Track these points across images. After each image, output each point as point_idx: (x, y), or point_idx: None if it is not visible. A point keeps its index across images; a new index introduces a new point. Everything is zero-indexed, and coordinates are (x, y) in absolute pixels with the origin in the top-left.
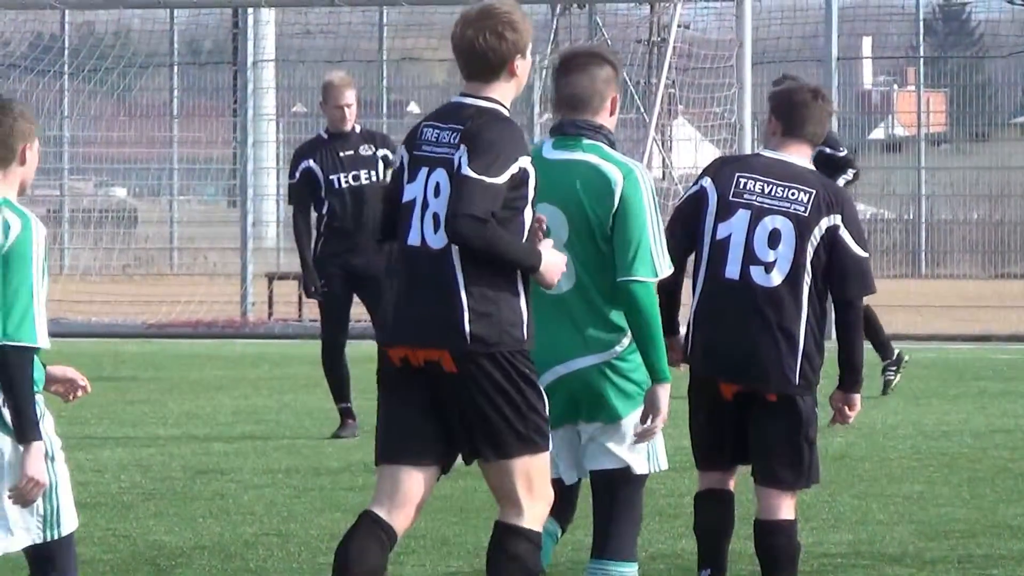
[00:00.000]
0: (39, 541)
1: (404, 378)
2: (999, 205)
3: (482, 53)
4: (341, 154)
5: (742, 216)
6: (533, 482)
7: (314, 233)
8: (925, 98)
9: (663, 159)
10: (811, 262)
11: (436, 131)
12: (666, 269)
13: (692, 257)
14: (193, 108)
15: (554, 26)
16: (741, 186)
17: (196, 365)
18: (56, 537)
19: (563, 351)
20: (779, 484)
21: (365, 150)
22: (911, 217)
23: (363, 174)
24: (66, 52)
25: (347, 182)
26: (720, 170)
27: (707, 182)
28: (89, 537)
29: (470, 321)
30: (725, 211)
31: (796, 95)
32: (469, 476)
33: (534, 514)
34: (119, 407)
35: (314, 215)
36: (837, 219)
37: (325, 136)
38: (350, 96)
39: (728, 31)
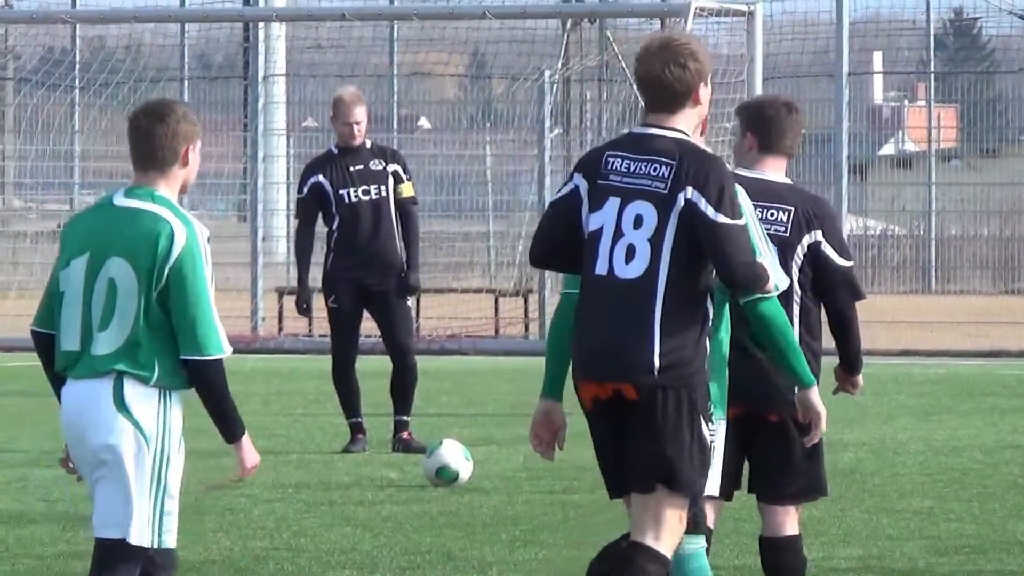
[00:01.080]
0: (150, 544)
1: (599, 415)
2: (1009, 221)
3: (668, 84)
4: (351, 169)
5: None
6: (666, 520)
7: (324, 248)
8: (936, 114)
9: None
10: (798, 280)
11: (627, 162)
12: (783, 279)
13: None
14: (204, 123)
15: (564, 41)
16: None
17: None
18: (157, 547)
19: None
20: (783, 500)
21: (375, 165)
22: (921, 233)
23: (373, 189)
24: (77, 66)
25: (357, 197)
26: None
27: None
28: None
29: (660, 355)
30: None
31: (769, 109)
32: (474, 492)
33: (665, 544)
34: None
35: (325, 229)
36: (818, 235)
37: (335, 151)
38: (360, 113)
39: (739, 46)
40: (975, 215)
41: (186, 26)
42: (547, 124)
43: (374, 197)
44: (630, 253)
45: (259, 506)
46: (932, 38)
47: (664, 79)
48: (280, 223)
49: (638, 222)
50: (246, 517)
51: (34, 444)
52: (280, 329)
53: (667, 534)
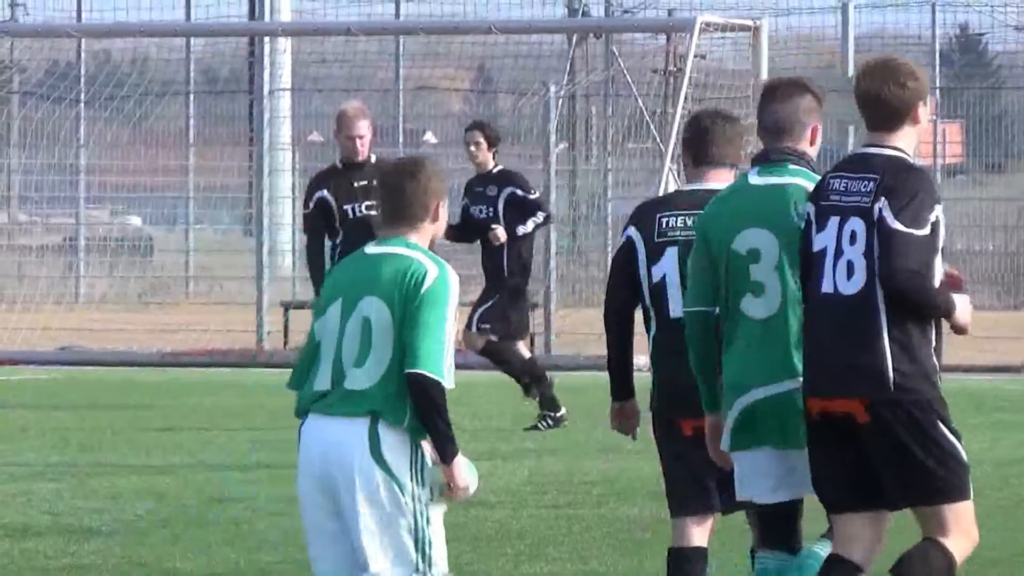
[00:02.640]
0: None
1: (827, 431)
2: (1015, 236)
3: (887, 102)
4: (356, 184)
5: (671, 255)
6: (954, 526)
7: (328, 263)
8: (941, 129)
9: (679, 189)
10: None
11: (844, 181)
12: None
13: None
14: (209, 136)
15: (571, 56)
16: (665, 225)
17: (211, 393)
18: None
19: (769, 373)
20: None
21: None
22: None
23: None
24: (82, 80)
25: (361, 211)
26: (643, 216)
27: (632, 231)
28: (104, 564)
29: (893, 369)
30: (656, 254)
31: (696, 122)
32: (479, 506)
33: (959, 546)
34: (134, 435)
35: (328, 244)
36: None
37: (340, 166)
38: (363, 127)
39: (744, 61)
40: (981, 230)
41: (192, 40)
42: (553, 139)
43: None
44: (850, 269)
45: (265, 519)
46: (938, 54)
47: (883, 97)
48: (286, 237)
49: (853, 238)
50: (252, 530)
51: (39, 457)
52: (285, 343)
53: (955, 538)
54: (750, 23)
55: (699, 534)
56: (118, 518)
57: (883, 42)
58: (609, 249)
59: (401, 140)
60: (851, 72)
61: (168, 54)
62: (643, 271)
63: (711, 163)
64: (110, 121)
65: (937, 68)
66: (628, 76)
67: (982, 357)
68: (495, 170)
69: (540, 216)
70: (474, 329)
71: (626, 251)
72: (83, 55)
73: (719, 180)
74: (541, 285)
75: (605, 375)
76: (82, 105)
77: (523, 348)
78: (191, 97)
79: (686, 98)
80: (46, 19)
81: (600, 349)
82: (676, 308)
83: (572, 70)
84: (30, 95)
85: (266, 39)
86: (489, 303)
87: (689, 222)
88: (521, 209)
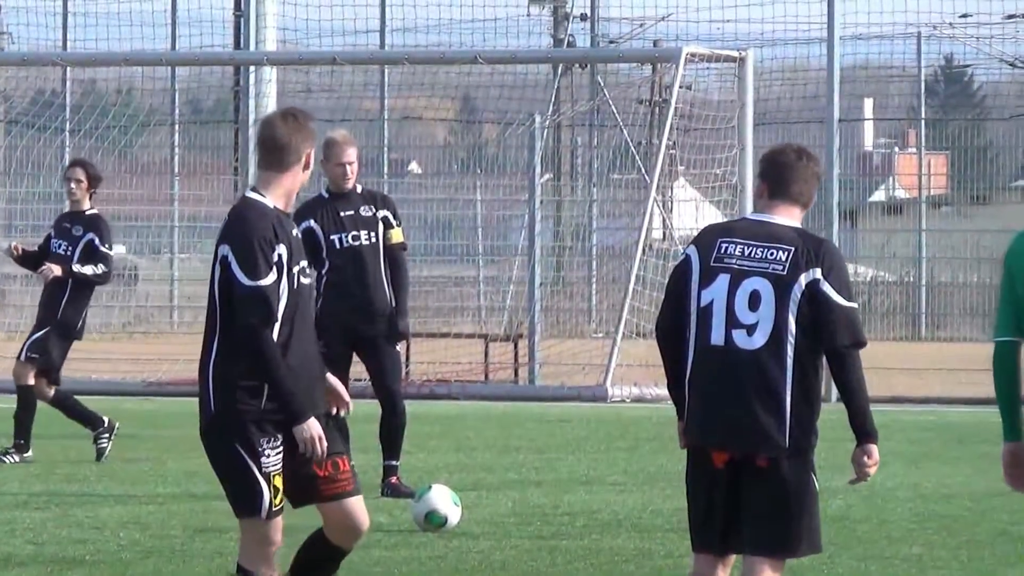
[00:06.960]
0: None
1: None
2: (999, 268)
3: None
4: (342, 214)
5: (722, 280)
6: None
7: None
8: (926, 160)
9: (664, 220)
10: (796, 319)
11: None
12: None
13: None
14: (194, 166)
15: (556, 86)
16: (723, 251)
17: (196, 423)
18: None
19: None
20: (762, 551)
21: (366, 211)
22: (911, 279)
23: (363, 234)
24: (68, 109)
25: (347, 242)
26: (704, 237)
27: (691, 250)
28: None
29: None
30: (707, 277)
31: (780, 156)
32: (462, 537)
33: None
34: (118, 465)
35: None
36: (817, 272)
37: (326, 195)
38: (352, 154)
39: (730, 92)
40: (965, 262)
41: (177, 69)
42: (538, 169)
43: (364, 243)
44: None
45: None
46: (923, 85)
47: None
48: None
49: None
50: (235, 561)
51: (23, 486)
52: None
53: None
54: (736, 54)
55: (720, 571)
56: (102, 548)
57: (868, 73)
58: (594, 280)
59: (386, 170)
60: (836, 104)
61: (153, 83)
62: (694, 293)
63: (785, 199)
64: (95, 150)
65: (922, 99)
66: (613, 106)
67: (964, 389)
68: (87, 212)
69: (100, 268)
70: (23, 358)
71: (681, 270)
72: (68, 84)
73: (789, 217)
74: (525, 316)
75: (589, 407)
76: (67, 134)
77: (44, 385)
78: (176, 126)
79: (671, 128)
80: (31, 48)
81: (584, 380)
82: (718, 335)
83: (557, 100)
84: (15, 124)
85: (251, 68)
86: (40, 334)
87: (746, 251)
88: (92, 257)
